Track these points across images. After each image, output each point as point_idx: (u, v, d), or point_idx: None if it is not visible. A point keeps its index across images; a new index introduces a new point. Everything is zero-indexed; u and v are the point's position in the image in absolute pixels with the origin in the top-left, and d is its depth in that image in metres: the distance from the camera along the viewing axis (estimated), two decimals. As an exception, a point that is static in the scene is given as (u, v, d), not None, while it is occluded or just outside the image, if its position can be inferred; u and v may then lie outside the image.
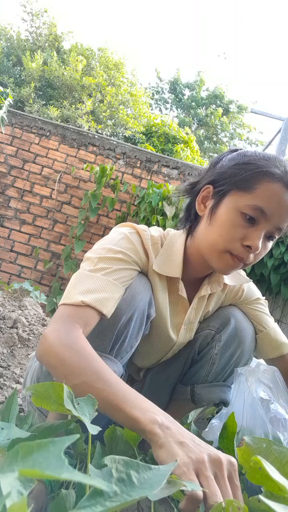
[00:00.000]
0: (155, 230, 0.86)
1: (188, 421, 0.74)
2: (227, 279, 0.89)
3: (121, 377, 0.76)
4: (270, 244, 0.76)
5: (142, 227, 0.83)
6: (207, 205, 0.79)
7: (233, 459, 0.46)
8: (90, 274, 0.70)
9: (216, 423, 0.98)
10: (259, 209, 0.71)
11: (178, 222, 0.89)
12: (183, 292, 0.84)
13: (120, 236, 0.78)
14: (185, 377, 0.90)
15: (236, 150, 0.81)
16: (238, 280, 0.91)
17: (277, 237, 0.76)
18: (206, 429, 0.97)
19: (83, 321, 0.65)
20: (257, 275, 3.05)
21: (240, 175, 0.73)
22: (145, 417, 0.49)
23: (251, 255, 0.74)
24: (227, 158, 0.80)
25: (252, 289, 0.95)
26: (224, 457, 0.45)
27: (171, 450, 0.45)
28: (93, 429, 0.47)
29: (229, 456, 0.46)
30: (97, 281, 0.69)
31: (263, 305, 0.94)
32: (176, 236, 0.85)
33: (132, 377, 0.96)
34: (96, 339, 0.71)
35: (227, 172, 0.76)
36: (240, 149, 0.81)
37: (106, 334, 0.71)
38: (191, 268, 0.84)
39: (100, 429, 0.49)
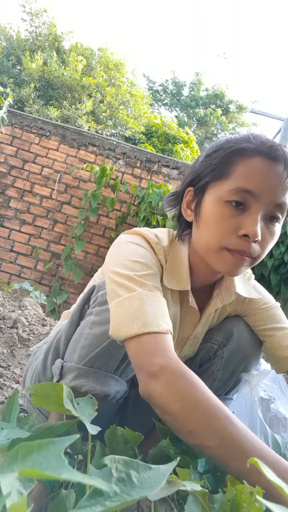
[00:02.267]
0: (165, 237, 0.79)
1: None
2: (239, 288, 0.81)
3: (124, 394, 0.74)
4: (276, 229, 0.67)
5: (153, 237, 0.76)
6: (193, 208, 0.73)
7: None
8: (152, 296, 0.64)
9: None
10: (243, 190, 0.63)
11: (176, 235, 0.81)
12: (193, 303, 0.78)
13: (141, 249, 0.73)
14: None
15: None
16: (248, 292, 0.82)
17: (281, 217, 0.66)
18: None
19: (172, 347, 0.59)
20: (257, 275, 3.05)
21: (213, 164, 0.68)
22: None
23: (254, 245, 0.65)
24: (203, 155, 0.74)
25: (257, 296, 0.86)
26: None
27: None
28: (93, 429, 0.47)
29: None
30: (161, 304, 0.64)
31: (269, 312, 0.84)
32: (179, 246, 0.79)
33: (132, 381, 0.95)
34: (100, 359, 0.68)
35: (201, 167, 0.71)
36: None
37: (113, 355, 0.68)
38: (197, 278, 0.79)
39: (100, 429, 0.49)
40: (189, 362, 0.88)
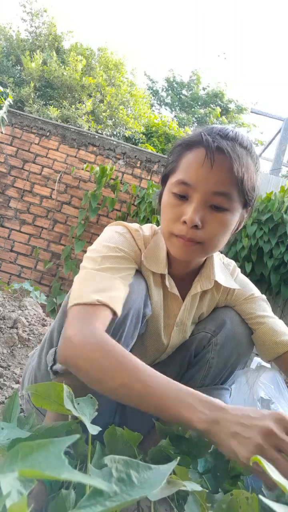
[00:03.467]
0: (148, 229, 0.86)
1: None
2: (218, 277, 0.86)
3: None
4: (224, 217, 0.71)
5: (134, 226, 0.84)
6: None
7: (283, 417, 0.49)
8: (99, 273, 0.70)
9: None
10: (182, 182, 0.71)
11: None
12: (173, 289, 0.83)
13: (117, 234, 0.79)
14: (183, 380, 0.88)
15: None
16: (228, 283, 0.87)
17: (227, 205, 0.70)
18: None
19: (101, 320, 0.64)
20: (257, 275, 3.05)
21: (170, 159, 0.76)
22: (196, 418, 0.51)
23: (198, 231, 0.70)
24: None
25: (243, 287, 0.91)
26: (275, 427, 0.48)
27: (229, 448, 0.49)
28: (93, 429, 0.47)
29: (281, 416, 0.49)
30: (107, 280, 0.69)
31: (257, 303, 0.88)
32: (161, 236, 0.84)
33: None
34: None
35: (166, 163, 0.79)
36: None
37: None
38: (175, 265, 0.83)
39: (100, 429, 0.49)
40: (184, 352, 0.89)
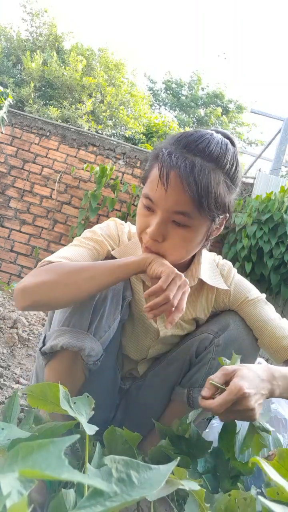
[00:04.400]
0: (134, 227, 0.91)
1: (188, 421, 0.74)
2: (204, 276, 0.85)
3: (100, 357, 0.78)
4: (186, 233, 0.72)
5: (121, 222, 0.92)
6: None
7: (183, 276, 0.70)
8: (66, 247, 0.82)
9: (216, 424, 0.98)
10: (147, 196, 0.73)
11: None
12: (149, 282, 0.86)
13: (102, 225, 0.90)
14: (184, 379, 0.89)
15: None
16: (216, 282, 0.86)
17: (188, 223, 0.71)
18: (207, 430, 0.97)
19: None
20: (257, 275, 3.05)
21: (146, 168, 0.78)
22: (137, 257, 0.71)
23: (157, 244, 0.73)
24: None
25: (240, 288, 0.88)
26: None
27: (150, 267, 0.71)
28: (90, 429, 0.47)
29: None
30: (67, 249, 0.80)
31: (257, 306, 0.86)
32: None
33: (132, 374, 0.96)
34: (74, 316, 0.75)
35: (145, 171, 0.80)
36: None
37: (83, 311, 0.75)
38: None
39: (97, 428, 0.49)
40: (185, 351, 0.89)
